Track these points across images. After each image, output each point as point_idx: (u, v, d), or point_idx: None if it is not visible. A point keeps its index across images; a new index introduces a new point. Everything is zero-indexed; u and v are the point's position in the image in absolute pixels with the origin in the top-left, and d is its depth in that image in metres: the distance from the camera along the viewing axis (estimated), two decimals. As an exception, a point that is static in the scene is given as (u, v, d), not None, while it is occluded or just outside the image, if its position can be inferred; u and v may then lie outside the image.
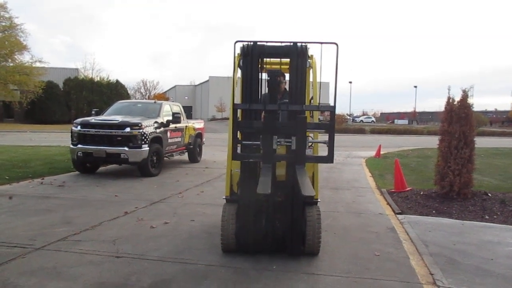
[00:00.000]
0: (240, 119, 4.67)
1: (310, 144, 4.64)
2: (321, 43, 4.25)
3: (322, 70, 4.55)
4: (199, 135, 13.95)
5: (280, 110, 4.38)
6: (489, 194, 7.87)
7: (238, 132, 4.46)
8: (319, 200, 4.78)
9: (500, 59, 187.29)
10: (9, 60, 40.17)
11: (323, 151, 4.48)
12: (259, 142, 4.30)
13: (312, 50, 4.78)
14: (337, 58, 4.13)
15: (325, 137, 4.34)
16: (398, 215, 6.68)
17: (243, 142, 4.44)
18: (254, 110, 4.52)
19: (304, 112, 4.37)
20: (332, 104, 4.38)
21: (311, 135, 4.79)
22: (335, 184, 9.89)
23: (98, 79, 52.23)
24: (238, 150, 4.37)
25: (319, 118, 5.14)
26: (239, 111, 4.71)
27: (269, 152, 4.18)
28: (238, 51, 4.63)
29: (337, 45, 4.14)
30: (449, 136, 7.54)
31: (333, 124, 4.25)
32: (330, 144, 4.20)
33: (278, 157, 4.41)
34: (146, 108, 11.85)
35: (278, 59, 5.04)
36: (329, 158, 4.23)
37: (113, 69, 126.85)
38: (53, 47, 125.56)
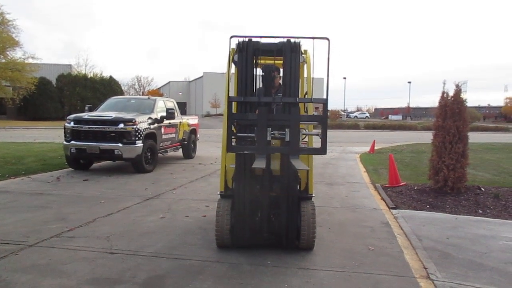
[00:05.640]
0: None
1: (304, 136, 4.66)
2: (313, 38, 4.34)
3: (316, 66, 4.66)
4: (193, 131, 13.91)
5: (274, 102, 4.42)
6: (483, 189, 7.92)
7: (233, 125, 4.47)
8: (313, 195, 4.80)
9: (493, 56, 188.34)
10: (1, 56, 39.78)
11: (318, 144, 4.48)
12: (253, 134, 4.31)
13: (306, 45, 4.80)
14: (328, 53, 4.21)
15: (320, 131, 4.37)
16: (392, 210, 6.71)
17: (238, 134, 4.45)
18: (249, 105, 4.52)
19: (298, 105, 4.40)
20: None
21: (306, 129, 4.80)
22: (330, 179, 9.91)
23: (92, 75, 51.96)
24: (233, 143, 4.38)
25: (313, 114, 5.14)
26: (234, 106, 4.71)
27: (263, 144, 4.19)
28: (233, 46, 4.64)
29: (328, 40, 4.22)
30: (443, 131, 7.57)
31: (326, 116, 4.30)
32: (323, 136, 4.23)
33: (272, 149, 4.42)
34: (140, 104, 11.79)
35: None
36: (322, 150, 4.26)
37: (107, 66, 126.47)
38: (47, 44, 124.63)
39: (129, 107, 11.48)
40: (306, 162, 4.72)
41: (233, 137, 4.40)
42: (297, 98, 4.43)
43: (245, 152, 4.35)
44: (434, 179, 7.76)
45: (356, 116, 79.03)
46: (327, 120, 4.31)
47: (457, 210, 6.71)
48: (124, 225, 5.57)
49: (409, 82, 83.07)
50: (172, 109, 11.69)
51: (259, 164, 3.99)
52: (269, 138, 4.25)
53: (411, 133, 39.46)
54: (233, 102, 4.51)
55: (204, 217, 5.99)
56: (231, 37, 4.37)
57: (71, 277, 3.83)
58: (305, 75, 5.11)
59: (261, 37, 4.55)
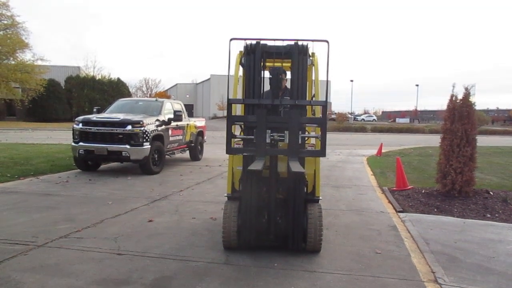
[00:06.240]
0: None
1: (306, 138, 4.68)
2: (313, 40, 4.48)
3: (319, 68, 4.70)
4: (200, 133, 13.96)
5: (274, 104, 4.46)
6: (491, 193, 7.86)
7: (240, 128, 4.50)
8: (320, 198, 4.79)
9: (502, 58, 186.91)
10: (11, 58, 40.21)
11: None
12: (252, 136, 4.34)
13: (313, 48, 4.85)
14: (328, 55, 4.27)
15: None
16: (399, 213, 6.68)
17: (238, 136, 4.50)
18: (256, 107, 4.54)
19: (304, 107, 4.42)
20: (327, 101, 4.44)
21: (314, 131, 4.81)
22: (336, 182, 9.89)
23: (100, 77, 52.28)
24: (240, 145, 4.42)
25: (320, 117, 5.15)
26: (241, 108, 4.75)
27: (262, 146, 4.19)
28: (239, 48, 4.70)
29: (328, 42, 4.29)
30: (451, 135, 7.53)
31: (325, 119, 4.33)
32: (322, 139, 4.24)
33: (271, 151, 4.40)
34: (148, 106, 11.85)
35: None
36: (321, 152, 4.29)
37: (115, 68, 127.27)
38: (56, 46, 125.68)
39: (137, 109, 11.55)
40: (313, 165, 4.73)
41: (237, 138, 4.43)
42: (296, 100, 4.44)
43: (244, 154, 4.37)
44: (442, 182, 7.71)
45: (363, 119, 78.70)
46: (326, 122, 4.34)
47: (465, 214, 6.67)
48: (132, 226, 5.60)
49: (417, 85, 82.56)
50: (180, 111, 11.74)
51: (256, 166, 3.96)
52: (268, 140, 4.26)
53: (419, 136, 39.26)
54: (238, 104, 4.55)
55: (211, 219, 6.01)
56: (231, 39, 4.40)
57: (79, 277, 3.86)
58: (313, 78, 5.13)
59: (261, 39, 4.60)
